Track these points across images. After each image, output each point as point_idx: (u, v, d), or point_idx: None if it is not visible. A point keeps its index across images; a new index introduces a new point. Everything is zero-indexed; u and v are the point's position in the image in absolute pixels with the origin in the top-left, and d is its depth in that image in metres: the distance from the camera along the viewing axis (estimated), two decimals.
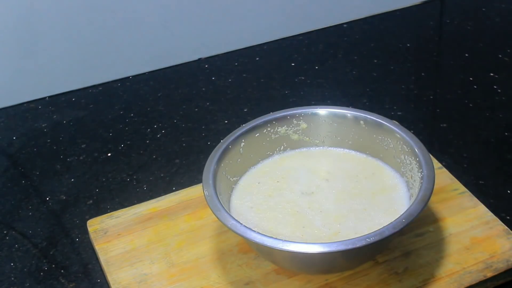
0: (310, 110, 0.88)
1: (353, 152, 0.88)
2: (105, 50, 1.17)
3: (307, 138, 0.89)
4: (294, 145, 0.89)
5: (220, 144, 0.83)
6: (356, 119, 0.86)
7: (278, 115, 0.88)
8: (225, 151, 0.83)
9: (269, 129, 0.87)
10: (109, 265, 0.83)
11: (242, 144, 0.85)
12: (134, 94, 1.17)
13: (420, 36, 1.25)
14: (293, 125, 0.88)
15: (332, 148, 0.89)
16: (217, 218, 0.75)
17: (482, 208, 0.87)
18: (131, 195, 0.96)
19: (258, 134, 0.86)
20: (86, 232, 0.89)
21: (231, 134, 0.85)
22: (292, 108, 0.88)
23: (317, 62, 1.22)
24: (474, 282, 0.78)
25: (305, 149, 0.89)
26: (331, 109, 0.88)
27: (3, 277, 0.85)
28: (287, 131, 0.88)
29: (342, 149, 0.89)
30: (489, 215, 0.86)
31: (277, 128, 0.87)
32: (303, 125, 0.88)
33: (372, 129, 0.86)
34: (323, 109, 0.88)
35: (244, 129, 0.86)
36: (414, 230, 0.84)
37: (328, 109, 0.88)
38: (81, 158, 1.03)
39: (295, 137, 0.89)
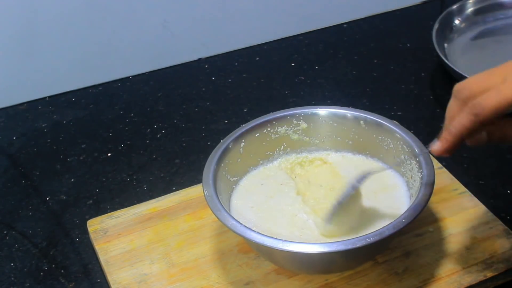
0: (310, 110, 0.88)
1: (353, 153, 0.88)
2: (105, 50, 1.17)
3: (307, 138, 0.89)
4: (294, 145, 0.89)
5: (220, 144, 0.83)
6: (356, 119, 0.86)
7: (278, 115, 0.88)
8: (225, 151, 0.83)
9: (269, 129, 0.87)
10: (109, 265, 0.83)
11: (242, 144, 0.85)
12: (134, 94, 1.17)
13: (420, 36, 1.25)
14: (293, 125, 0.88)
15: (332, 148, 0.89)
16: (217, 218, 0.75)
17: (482, 208, 0.87)
18: (131, 195, 0.96)
19: (258, 134, 0.86)
20: (86, 232, 0.89)
21: (231, 134, 0.85)
22: (292, 108, 0.88)
23: (317, 62, 1.22)
24: (474, 282, 0.78)
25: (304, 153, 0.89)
26: (331, 109, 0.88)
27: (3, 277, 0.85)
28: (287, 131, 0.88)
29: (342, 150, 0.89)
30: (489, 215, 0.86)
31: (277, 128, 0.87)
32: (303, 125, 0.88)
33: (372, 129, 0.86)
34: (323, 109, 0.88)
35: (244, 129, 0.85)
36: (414, 230, 0.84)
37: (328, 109, 0.87)
38: (81, 158, 1.03)
39: (295, 137, 0.89)
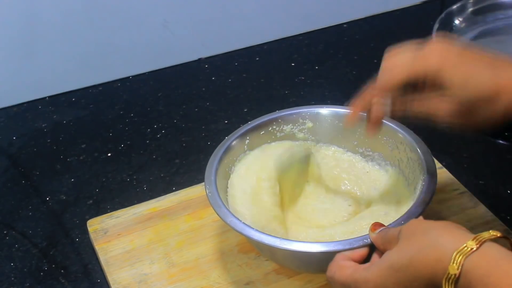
0: (315, 109, 0.88)
1: (357, 154, 0.88)
2: (105, 50, 1.17)
3: (312, 137, 0.89)
4: None
5: (224, 141, 0.83)
6: (362, 119, 0.86)
7: (284, 113, 0.88)
8: (229, 148, 0.83)
9: (274, 127, 0.87)
10: (109, 265, 0.83)
11: (247, 141, 0.85)
12: (134, 94, 1.17)
13: (420, 36, 1.25)
14: (298, 123, 0.88)
15: (336, 147, 0.89)
16: (217, 214, 0.74)
17: (482, 208, 0.87)
18: (131, 195, 0.96)
19: (263, 132, 0.86)
20: (86, 232, 0.89)
21: (235, 131, 0.85)
22: (298, 107, 0.88)
23: (317, 62, 1.22)
24: None
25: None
26: (336, 109, 0.88)
27: (3, 277, 0.85)
28: (293, 129, 0.88)
29: (348, 151, 0.89)
30: (489, 215, 0.86)
31: (283, 126, 0.87)
32: (309, 124, 0.88)
33: None
34: (329, 109, 0.88)
35: (249, 127, 0.85)
36: None
37: (334, 109, 0.88)
38: (81, 158, 1.03)
39: (300, 135, 0.88)
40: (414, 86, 0.69)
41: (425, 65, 0.68)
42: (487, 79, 0.64)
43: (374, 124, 0.73)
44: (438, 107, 0.67)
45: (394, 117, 0.73)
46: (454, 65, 0.66)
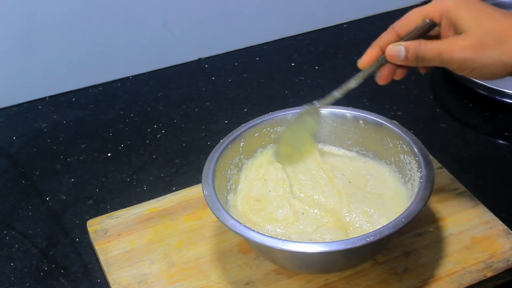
0: None
1: (352, 152, 0.88)
2: (105, 50, 1.17)
3: None
4: None
5: (219, 144, 0.83)
6: (356, 118, 0.86)
7: (277, 115, 0.88)
8: (225, 151, 0.83)
9: (268, 129, 0.87)
10: (109, 265, 0.83)
11: (242, 144, 0.85)
12: (134, 94, 1.17)
13: None
14: None
15: (332, 147, 0.89)
16: (217, 217, 0.75)
17: (482, 208, 0.87)
18: (131, 195, 0.96)
19: (257, 134, 0.86)
20: (86, 232, 0.89)
21: (230, 134, 0.85)
22: (292, 108, 0.88)
23: (317, 62, 1.22)
24: (474, 282, 0.78)
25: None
26: (330, 109, 0.88)
27: (3, 277, 0.85)
28: None
29: (342, 149, 0.89)
30: (489, 215, 0.86)
31: (277, 128, 0.87)
32: None
33: (371, 128, 0.86)
34: (323, 109, 0.88)
35: (243, 129, 0.85)
36: (414, 230, 0.84)
37: (328, 109, 0.87)
38: (81, 158, 1.03)
39: None
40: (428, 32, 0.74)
41: (440, 5, 0.73)
42: (500, 19, 0.71)
43: (389, 69, 0.77)
44: (451, 43, 0.71)
45: (408, 61, 0.75)
46: (468, 4, 0.72)
